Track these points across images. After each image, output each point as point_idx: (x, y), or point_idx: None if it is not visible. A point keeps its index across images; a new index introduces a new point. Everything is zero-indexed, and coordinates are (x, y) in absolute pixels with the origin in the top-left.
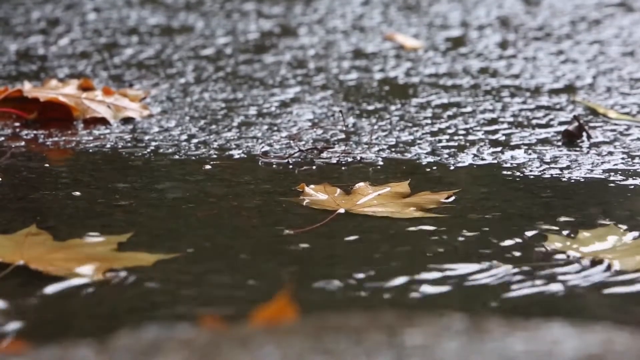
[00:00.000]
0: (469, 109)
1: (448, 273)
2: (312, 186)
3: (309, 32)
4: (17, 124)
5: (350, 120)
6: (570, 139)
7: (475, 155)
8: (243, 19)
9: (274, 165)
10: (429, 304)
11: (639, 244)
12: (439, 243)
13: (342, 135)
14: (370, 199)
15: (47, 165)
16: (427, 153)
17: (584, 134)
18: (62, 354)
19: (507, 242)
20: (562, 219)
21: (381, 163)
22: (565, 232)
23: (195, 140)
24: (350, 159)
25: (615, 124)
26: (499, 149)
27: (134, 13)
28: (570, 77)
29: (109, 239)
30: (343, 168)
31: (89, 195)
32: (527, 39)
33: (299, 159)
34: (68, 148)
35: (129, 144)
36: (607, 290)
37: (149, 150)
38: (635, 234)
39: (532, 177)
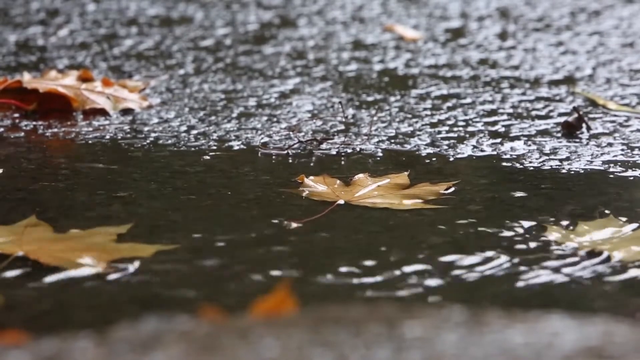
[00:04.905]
0: (468, 100)
1: (447, 264)
2: (311, 177)
3: (308, 23)
4: (16, 114)
5: (350, 111)
6: (570, 131)
7: (474, 147)
8: (242, 9)
9: (274, 157)
10: (428, 296)
11: (638, 235)
12: (438, 234)
13: (342, 127)
14: (370, 190)
15: (46, 156)
16: (426, 144)
17: (584, 125)
18: (61, 346)
19: (507, 234)
20: (562, 210)
21: (380, 154)
22: (564, 224)
23: (194, 132)
24: (349, 150)
25: (615, 115)
26: (499, 140)
27: (133, 4)
28: (569, 68)
29: (108, 230)
30: (342, 159)
31: (89, 186)
32: (527, 30)
33: (299, 150)
34: (67, 139)
35: (129, 135)
36: (606, 282)
37: (148, 141)
38: (634, 225)
39: (531, 168)
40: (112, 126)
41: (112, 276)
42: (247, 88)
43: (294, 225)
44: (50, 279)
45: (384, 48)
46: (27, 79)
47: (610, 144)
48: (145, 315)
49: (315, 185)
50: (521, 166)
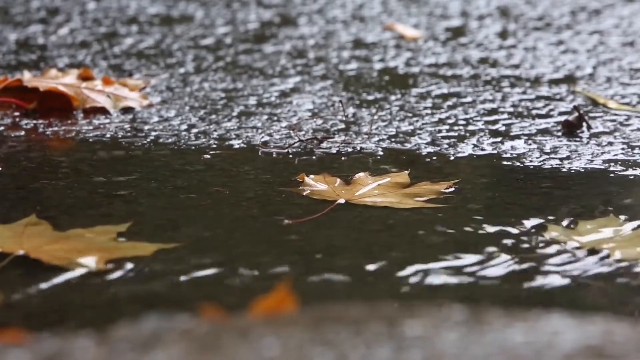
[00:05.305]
0: (469, 99)
1: (448, 263)
2: (311, 176)
3: (308, 22)
4: (16, 113)
5: (350, 110)
6: (570, 130)
7: (475, 146)
8: (243, 8)
9: (274, 155)
10: (428, 295)
11: (639, 234)
12: (438, 233)
13: (342, 125)
14: (370, 189)
15: (46, 154)
16: (427, 143)
17: (584, 124)
18: (62, 345)
19: (507, 233)
20: (562, 209)
21: (381, 153)
22: (565, 223)
23: (195, 130)
24: (350, 149)
25: (615, 114)
26: (499, 139)
27: (133, 2)
28: (570, 67)
29: (108, 229)
30: (343, 158)
31: (89, 185)
32: (527, 29)
33: (299, 149)
34: (68, 137)
35: (129, 134)
36: (606, 281)
37: (148, 140)
38: (635, 224)
39: (532, 167)
40: (112, 125)
41: (113, 275)
42: (248, 87)
43: (294, 224)
44: (50, 277)
45: (384, 47)
46: (28, 77)
47: (610, 143)
48: (146, 314)
49: (316, 184)
50: (521, 165)
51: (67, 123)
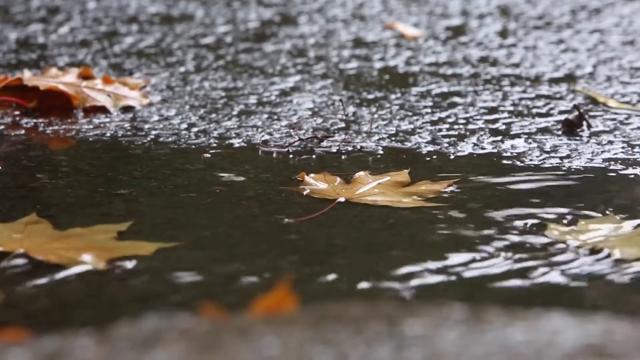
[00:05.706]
0: (469, 98)
1: (448, 262)
2: (312, 175)
3: (309, 21)
4: (17, 112)
5: (350, 109)
6: (570, 128)
7: (475, 145)
8: (243, 7)
9: (274, 154)
10: (428, 294)
11: (639, 233)
12: (438, 232)
13: (342, 124)
14: (370, 188)
15: (47, 153)
16: (427, 142)
17: (584, 123)
18: (62, 343)
19: (507, 232)
20: (562, 208)
21: (381, 152)
22: (565, 222)
23: (195, 129)
24: (350, 148)
25: (616, 113)
26: (499, 138)
27: (133, 1)
28: (570, 66)
29: (109, 228)
30: (343, 157)
31: (89, 183)
32: (528, 27)
33: (299, 148)
34: (68, 136)
35: (129, 133)
36: (607, 280)
37: (149, 139)
38: (635, 223)
39: (532, 166)
40: (112, 124)
41: (113, 274)
42: (248, 86)
43: (294, 222)
44: (50, 276)
45: (384, 46)
46: (28, 76)
47: (610, 142)
48: (146, 313)
49: (316, 183)
50: (522, 164)
51: (67, 122)
